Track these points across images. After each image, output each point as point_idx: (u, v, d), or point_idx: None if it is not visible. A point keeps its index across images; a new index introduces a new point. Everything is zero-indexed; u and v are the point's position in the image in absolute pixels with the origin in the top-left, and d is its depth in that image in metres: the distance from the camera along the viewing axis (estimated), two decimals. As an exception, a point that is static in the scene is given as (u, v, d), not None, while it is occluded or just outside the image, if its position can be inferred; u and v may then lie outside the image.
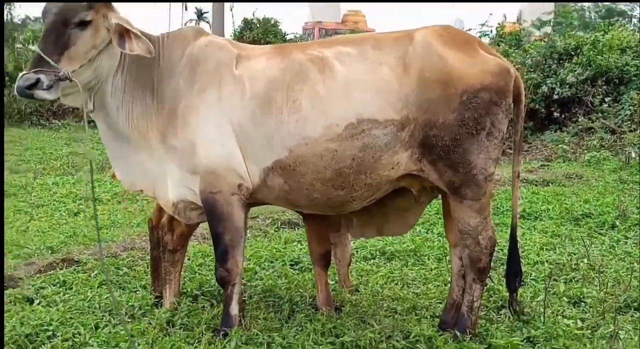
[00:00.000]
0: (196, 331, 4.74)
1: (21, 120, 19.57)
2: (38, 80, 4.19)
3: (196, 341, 4.60)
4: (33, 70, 4.21)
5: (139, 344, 4.41)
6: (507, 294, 5.17)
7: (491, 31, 18.87)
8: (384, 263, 6.59)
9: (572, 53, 15.87)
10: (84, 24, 4.35)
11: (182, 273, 5.40)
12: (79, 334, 4.60)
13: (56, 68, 4.24)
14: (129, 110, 4.68)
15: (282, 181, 4.62)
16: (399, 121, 4.50)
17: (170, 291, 5.26)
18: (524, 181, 10.82)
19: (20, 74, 4.22)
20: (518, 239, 7.25)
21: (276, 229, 7.85)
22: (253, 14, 26.18)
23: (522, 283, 5.25)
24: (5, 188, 9.93)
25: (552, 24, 17.46)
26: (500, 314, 5.21)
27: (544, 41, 16.68)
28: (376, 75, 4.53)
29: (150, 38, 4.65)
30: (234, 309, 4.78)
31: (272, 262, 6.47)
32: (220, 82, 4.63)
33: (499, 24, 19.46)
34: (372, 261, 6.66)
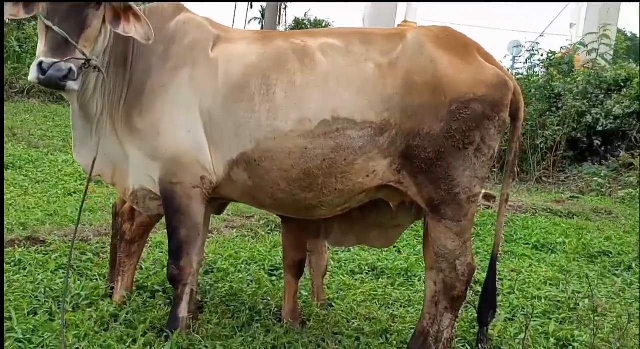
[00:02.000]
0: (138, 329, 4.37)
1: (63, 97, 19.44)
2: (70, 70, 3.78)
3: (132, 340, 4.23)
4: (64, 58, 3.76)
5: (65, 337, 4.04)
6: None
7: (541, 54, 18.07)
8: (370, 279, 6.15)
9: (622, 84, 15.20)
10: (99, 3, 3.96)
11: (137, 265, 5.05)
12: (10, 319, 4.26)
13: (85, 56, 3.87)
14: (103, 89, 4.32)
15: (246, 176, 4.24)
16: (378, 124, 4.10)
17: (122, 284, 4.91)
18: (549, 210, 10.25)
19: (43, 60, 3.75)
20: (523, 271, 6.88)
21: (268, 232, 7.43)
22: (305, 15, 25.86)
23: (495, 318, 4.76)
24: (14, 161, 9.72)
25: (597, 50, 16.64)
26: (478, 349, 4.74)
27: (587, 68, 16.05)
28: (359, 72, 4.14)
29: None
30: (183, 310, 4.42)
31: (249, 265, 6.08)
32: (193, 62, 4.27)
33: (549, 51, 18.55)
34: (358, 275, 6.23)
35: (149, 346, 4.15)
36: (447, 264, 4.30)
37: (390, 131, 4.11)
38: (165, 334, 4.29)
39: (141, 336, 4.26)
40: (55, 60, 3.77)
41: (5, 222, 6.41)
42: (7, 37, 23.00)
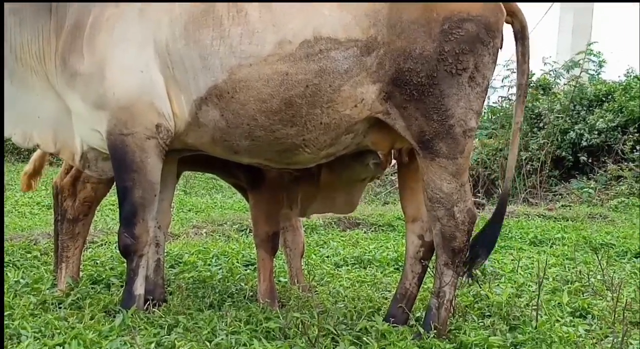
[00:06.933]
0: (86, 311, 3.69)
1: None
2: None
3: (77, 320, 3.55)
4: None
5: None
6: (494, 296, 4.19)
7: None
8: (357, 269, 5.51)
9: (603, 99, 14.82)
10: None
11: (83, 249, 4.40)
12: None
13: None
14: (14, 38, 3.76)
15: (217, 114, 3.63)
16: (364, 42, 3.56)
17: (67, 271, 4.25)
18: (542, 216, 9.68)
19: None
20: (524, 259, 6.24)
21: (242, 235, 6.75)
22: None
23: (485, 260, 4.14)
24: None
25: (581, 65, 16.15)
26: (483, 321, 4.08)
27: (572, 85, 15.61)
28: None
29: None
30: (138, 287, 3.77)
31: (219, 258, 5.39)
32: None
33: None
34: (343, 267, 5.58)
35: (97, 324, 3.47)
36: (444, 210, 3.71)
37: (378, 50, 3.59)
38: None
39: (90, 319, 3.59)
40: None
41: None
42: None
